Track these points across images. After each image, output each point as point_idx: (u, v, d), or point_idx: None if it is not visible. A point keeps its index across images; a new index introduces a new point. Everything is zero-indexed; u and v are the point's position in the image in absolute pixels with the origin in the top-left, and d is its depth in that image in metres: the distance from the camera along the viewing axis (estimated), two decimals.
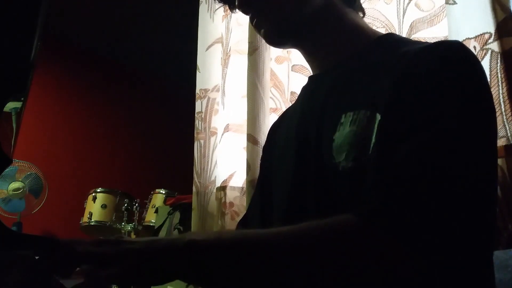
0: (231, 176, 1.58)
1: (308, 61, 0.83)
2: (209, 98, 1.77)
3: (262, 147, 1.37)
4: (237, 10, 0.81)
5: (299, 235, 0.55)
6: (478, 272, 0.58)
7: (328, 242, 0.54)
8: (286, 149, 0.80)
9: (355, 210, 0.56)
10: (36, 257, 0.52)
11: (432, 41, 0.78)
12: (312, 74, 0.84)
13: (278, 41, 0.81)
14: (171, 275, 0.51)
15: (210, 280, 0.52)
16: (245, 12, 0.79)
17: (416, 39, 0.99)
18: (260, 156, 1.29)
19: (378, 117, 0.63)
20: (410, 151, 0.56)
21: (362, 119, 0.65)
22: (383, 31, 1.15)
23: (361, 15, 0.82)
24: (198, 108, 1.80)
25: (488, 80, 0.85)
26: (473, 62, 0.64)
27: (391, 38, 0.77)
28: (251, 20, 0.79)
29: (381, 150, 0.60)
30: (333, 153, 0.67)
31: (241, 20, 1.66)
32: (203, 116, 1.77)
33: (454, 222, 0.53)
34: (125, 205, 3.16)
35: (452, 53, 0.63)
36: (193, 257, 0.51)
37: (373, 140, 0.62)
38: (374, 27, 0.98)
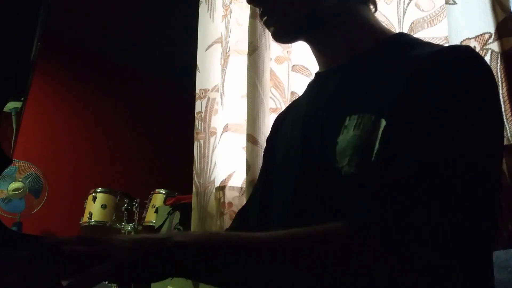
0: (230, 176, 1.58)
1: (315, 56, 0.82)
2: (208, 98, 1.77)
3: (262, 147, 1.37)
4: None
5: (291, 241, 0.55)
6: (477, 274, 0.58)
7: (318, 250, 0.54)
8: (290, 145, 0.79)
9: (349, 218, 0.56)
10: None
11: (432, 41, 0.78)
12: (318, 69, 0.83)
13: (287, 40, 0.80)
14: (159, 274, 0.51)
15: (197, 280, 0.53)
16: (254, 5, 0.78)
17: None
18: (260, 156, 1.29)
19: (383, 123, 0.62)
20: (411, 164, 0.55)
21: (366, 124, 0.64)
22: None
23: (373, 9, 0.80)
24: (198, 108, 1.80)
25: None
26: (483, 70, 0.62)
27: (402, 39, 0.75)
28: (261, 17, 0.77)
29: (383, 159, 0.59)
30: (336, 156, 0.66)
31: (240, 20, 1.66)
32: (202, 116, 1.77)
33: (452, 237, 0.52)
34: (125, 205, 3.16)
35: (461, 62, 0.62)
36: (179, 258, 0.51)
37: (377, 146, 0.61)
38: None
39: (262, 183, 0.88)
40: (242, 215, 0.92)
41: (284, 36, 0.77)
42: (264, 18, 0.76)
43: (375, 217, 0.54)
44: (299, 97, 0.92)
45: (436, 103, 0.58)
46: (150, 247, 0.50)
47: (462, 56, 0.62)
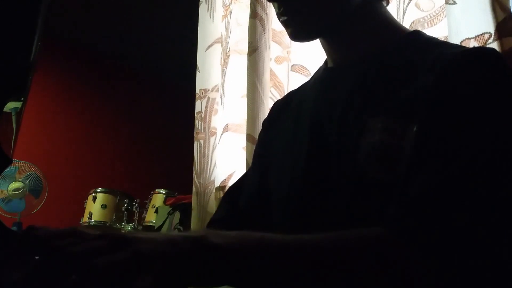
0: (230, 176, 1.58)
1: (327, 50, 0.79)
2: (208, 98, 1.77)
3: None
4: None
5: (327, 245, 0.52)
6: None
7: (355, 255, 0.52)
8: (295, 139, 0.77)
9: (387, 223, 0.54)
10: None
11: None
12: (327, 64, 0.80)
13: (306, 40, 0.77)
14: (195, 279, 0.46)
15: (225, 283, 0.48)
16: (275, 3, 0.74)
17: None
18: None
19: (415, 128, 0.60)
20: (451, 168, 0.54)
21: (394, 128, 0.62)
22: None
23: (385, 3, 0.77)
24: (197, 108, 1.80)
25: None
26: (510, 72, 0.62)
27: (421, 37, 0.74)
28: (280, 16, 0.73)
29: (419, 165, 0.57)
30: (360, 161, 0.63)
31: (240, 20, 1.66)
32: (202, 116, 1.77)
33: (488, 243, 0.52)
34: (125, 205, 3.16)
35: (494, 64, 0.61)
36: (215, 262, 0.46)
37: (410, 151, 0.59)
38: None
39: (257, 168, 0.86)
40: (231, 201, 0.87)
41: (304, 37, 0.75)
42: (284, 18, 0.73)
43: (414, 223, 0.53)
44: (301, 88, 0.89)
45: (472, 106, 0.58)
46: (185, 250, 0.45)
47: (493, 58, 0.62)
